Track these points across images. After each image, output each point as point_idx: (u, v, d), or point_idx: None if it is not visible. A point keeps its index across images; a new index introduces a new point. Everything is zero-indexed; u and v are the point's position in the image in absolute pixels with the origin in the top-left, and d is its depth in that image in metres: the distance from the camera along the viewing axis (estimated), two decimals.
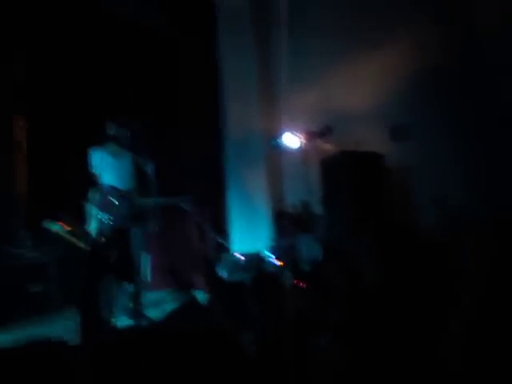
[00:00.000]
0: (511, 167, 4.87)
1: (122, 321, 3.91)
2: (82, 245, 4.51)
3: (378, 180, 5.46)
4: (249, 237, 7.00)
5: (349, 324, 2.37)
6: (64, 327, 4.58)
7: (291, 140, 6.66)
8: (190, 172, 6.93)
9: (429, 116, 5.53)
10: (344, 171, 5.52)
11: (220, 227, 7.13)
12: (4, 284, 5.24)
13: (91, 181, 4.11)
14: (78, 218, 4.64)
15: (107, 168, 4.02)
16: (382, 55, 5.87)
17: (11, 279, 5.44)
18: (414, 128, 5.64)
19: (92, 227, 4.40)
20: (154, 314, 4.03)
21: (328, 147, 6.14)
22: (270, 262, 6.32)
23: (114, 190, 4.01)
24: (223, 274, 6.25)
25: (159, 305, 4.67)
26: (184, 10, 7.08)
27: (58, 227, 4.60)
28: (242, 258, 6.56)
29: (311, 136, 6.23)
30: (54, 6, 6.19)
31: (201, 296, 3.20)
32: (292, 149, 6.74)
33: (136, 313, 4.01)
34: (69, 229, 4.63)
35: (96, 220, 4.47)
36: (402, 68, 5.70)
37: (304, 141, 6.42)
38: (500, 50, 5.06)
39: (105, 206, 3.93)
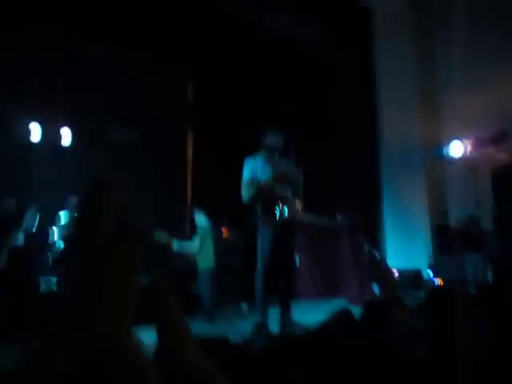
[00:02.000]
0: None
1: (273, 326, 3.94)
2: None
3: None
4: (405, 252, 6.54)
5: None
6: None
7: (457, 148, 6.08)
8: (346, 184, 6.80)
9: None
10: None
11: (375, 241, 6.82)
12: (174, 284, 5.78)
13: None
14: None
15: (267, 177, 3.96)
16: None
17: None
18: None
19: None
20: (304, 322, 3.97)
21: (503, 155, 5.39)
22: (428, 279, 5.82)
23: (278, 198, 3.97)
24: (375, 288, 5.95)
25: (310, 313, 4.60)
26: (338, 20, 7.01)
27: (164, 237, 5.10)
28: (397, 273, 6.16)
29: (482, 143, 5.58)
30: (216, 33, 6.69)
31: (354, 309, 3.03)
32: (457, 158, 6.15)
33: (288, 321, 3.99)
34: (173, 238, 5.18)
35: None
36: None
37: (472, 148, 5.80)
38: None
39: (266, 214, 3.91)
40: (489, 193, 5.35)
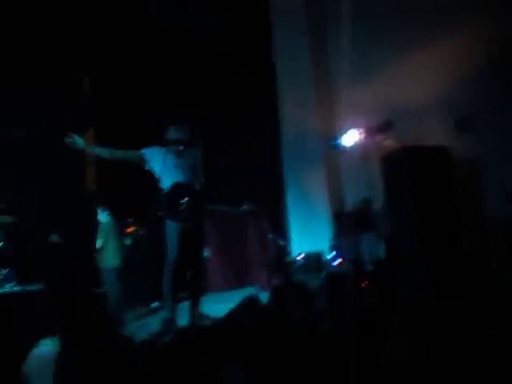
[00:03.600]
0: None
1: (183, 321, 3.94)
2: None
3: (444, 175, 5.15)
4: (308, 237, 6.90)
5: (420, 328, 2.20)
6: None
7: (350, 138, 6.50)
8: (247, 173, 6.95)
9: (494, 106, 5.21)
10: (407, 167, 5.25)
11: (279, 228, 7.08)
12: None
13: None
14: None
15: (170, 168, 3.92)
16: (444, 46, 5.59)
17: None
18: (480, 119, 5.33)
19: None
20: (215, 313, 4.02)
21: (389, 143, 5.89)
22: (330, 261, 6.20)
23: (182, 189, 3.91)
24: (282, 274, 6.21)
25: (219, 304, 4.67)
26: (236, 6, 7.11)
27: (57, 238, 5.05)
28: (301, 258, 6.48)
29: (371, 132, 6.03)
30: (113, 24, 6.45)
31: (261, 295, 3.16)
32: (351, 147, 6.57)
33: (196, 313, 4.01)
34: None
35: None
36: (466, 58, 5.40)
37: (363, 137, 6.24)
38: None
39: (172, 206, 3.84)
40: (379, 177, 5.79)
